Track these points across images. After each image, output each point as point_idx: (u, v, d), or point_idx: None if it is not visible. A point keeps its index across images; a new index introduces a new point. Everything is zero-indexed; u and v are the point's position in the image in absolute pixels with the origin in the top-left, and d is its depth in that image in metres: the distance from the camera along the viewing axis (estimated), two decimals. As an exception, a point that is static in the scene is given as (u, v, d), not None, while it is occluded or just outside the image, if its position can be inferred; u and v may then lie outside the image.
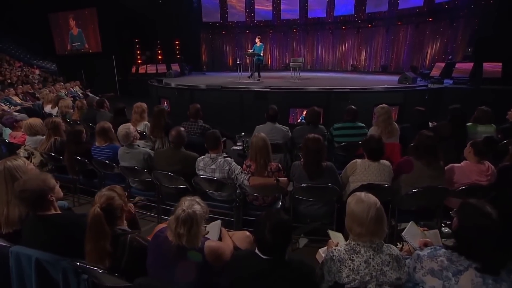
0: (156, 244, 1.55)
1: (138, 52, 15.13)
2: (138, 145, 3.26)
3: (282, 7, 15.20)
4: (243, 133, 4.64)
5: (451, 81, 8.16)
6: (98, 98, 5.85)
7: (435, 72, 8.73)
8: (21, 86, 10.63)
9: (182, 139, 3.03)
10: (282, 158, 3.77)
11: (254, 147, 2.63)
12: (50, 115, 6.68)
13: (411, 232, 1.82)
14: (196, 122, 3.97)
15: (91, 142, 3.72)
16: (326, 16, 14.67)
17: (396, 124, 3.58)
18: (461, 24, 10.83)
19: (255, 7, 15.47)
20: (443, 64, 8.76)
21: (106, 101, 5.35)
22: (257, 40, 9.73)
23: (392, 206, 2.56)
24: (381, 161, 2.58)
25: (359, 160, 2.62)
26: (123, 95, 14.16)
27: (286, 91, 7.42)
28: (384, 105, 3.60)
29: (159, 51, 15.22)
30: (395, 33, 13.22)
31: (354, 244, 1.46)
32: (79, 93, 12.18)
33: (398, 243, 2.77)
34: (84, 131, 3.65)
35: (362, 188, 2.43)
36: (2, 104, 8.34)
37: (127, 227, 1.88)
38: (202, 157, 2.81)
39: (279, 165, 2.69)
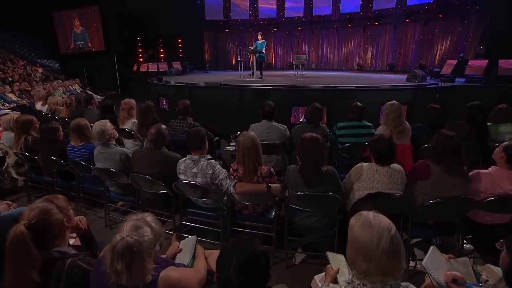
0: (97, 275, 1.19)
1: (139, 50, 14.90)
2: (115, 144, 2.92)
3: (287, 4, 14.83)
4: (238, 133, 4.28)
5: (463, 79, 7.71)
6: (86, 94, 5.52)
7: (446, 70, 8.27)
8: (18, 84, 10.42)
9: (162, 138, 2.68)
10: (279, 160, 3.39)
11: (241, 149, 2.26)
12: (41, 112, 6.45)
13: (434, 260, 1.41)
14: (185, 119, 3.62)
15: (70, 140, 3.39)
16: (332, 14, 14.31)
17: (407, 123, 3.18)
18: (472, 21, 10.37)
19: (259, 5, 15.14)
20: (454, 62, 8.30)
21: (94, 98, 5.04)
22: (259, 36, 9.36)
23: (404, 218, 2.17)
24: (392, 165, 2.19)
25: (365, 164, 2.23)
26: (124, 93, 13.97)
27: (287, 88, 7.04)
28: (394, 101, 3.20)
29: (161, 50, 14.99)
30: (403, 31, 12.77)
31: (358, 285, 1.07)
32: (78, 91, 11.95)
33: (410, 260, 2.39)
34: (61, 129, 3.32)
35: (369, 197, 2.05)
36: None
37: (79, 245, 1.54)
38: (183, 158, 2.45)
39: (271, 169, 2.31)
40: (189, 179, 2.36)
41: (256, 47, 8.99)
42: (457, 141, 2.01)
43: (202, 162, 2.34)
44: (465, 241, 2.24)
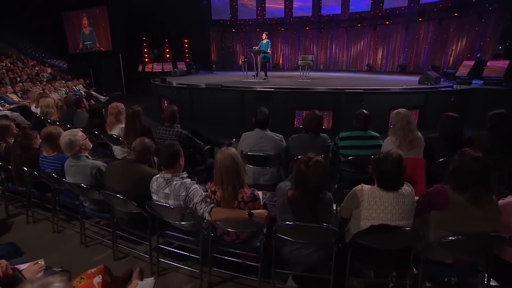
0: None
1: (145, 50, 14.78)
2: (88, 156, 2.62)
3: (295, 4, 14.49)
4: (233, 140, 3.96)
5: (481, 82, 7.20)
6: (75, 97, 5.29)
7: (462, 72, 7.76)
8: (20, 84, 10.35)
9: (144, 152, 2.36)
10: (274, 173, 3.04)
11: (218, 168, 1.91)
12: (35, 114, 6.28)
13: None
14: (171, 127, 3.30)
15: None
16: (341, 13, 13.89)
17: (418, 132, 2.78)
18: (490, 19, 9.78)
19: (267, 5, 14.86)
20: (471, 63, 7.78)
21: (84, 101, 4.80)
22: (264, 36, 9.00)
23: (415, 252, 1.79)
24: (401, 188, 1.80)
25: (366, 187, 1.83)
26: (130, 94, 13.93)
27: (291, 91, 6.68)
28: (400, 109, 2.80)
29: (167, 50, 14.84)
30: (415, 31, 12.26)
31: None
32: (82, 91, 11.85)
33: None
34: (38, 137, 3.05)
35: (372, 229, 1.68)
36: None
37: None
38: (156, 176, 2.12)
39: (255, 193, 1.95)
40: (162, 201, 2.04)
41: (260, 47, 8.65)
42: (485, 163, 1.60)
43: (175, 182, 2.01)
44: (495, 284, 1.83)
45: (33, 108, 6.49)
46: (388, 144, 2.76)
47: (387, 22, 12.82)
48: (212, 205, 1.93)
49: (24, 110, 8.13)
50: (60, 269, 2.33)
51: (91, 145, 2.70)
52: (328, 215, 1.81)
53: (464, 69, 7.82)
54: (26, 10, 15.44)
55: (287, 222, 1.77)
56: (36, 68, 14.91)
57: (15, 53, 16.23)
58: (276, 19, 15.14)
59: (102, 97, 12.14)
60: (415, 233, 1.68)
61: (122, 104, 4.04)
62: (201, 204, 1.94)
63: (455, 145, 2.78)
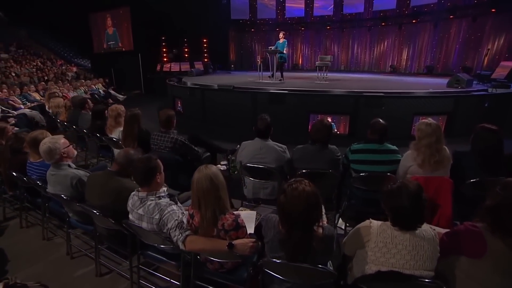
0: None
1: (164, 50, 14.89)
2: (70, 165, 2.42)
3: (317, 4, 14.01)
4: (238, 146, 3.68)
5: (522, 85, 6.46)
6: (81, 97, 5.22)
7: (499, 73, 7.02)
8: (43, 83, 10.66)
9: (127, 164, 2.11)
10: (276, 186, 2.73)
11: (195, 190, 1.62)
12: (48, 113, 6.33)
13: None
14: (167, 133, 3.06)
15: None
16: (364, 12, 13.23)
17: (447, 150, 2.34)
18: (533, 16, 8.85)
19: (287, 4, 14.52)
20: (511, 64, 7.00)
21: (89, 102, 4.70)
22: (280, 35, 8.67)
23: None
24: (418, 229, 1.41)
25: (375, 224, 1.47)
26: (148, 93, 14.10)
27: (306, 93, 6.30)
28: (430, 120, 2.35)
29: (185, 49, 14.89)
30: (445, 29, 11.38)
31: None
32: (101, 90, 12.07)
33: None
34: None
35: (379, 276, 1.33)
36: (16, 99, 8.22)
37: None
38: (133, 193, 1.87)
39: (238, 220, 1.63)
40: (136, 222, 1.79)
41: (276, 47, 8.33)
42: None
43: (149, 202, 1.74)
44: None
45: (47, 108, 6.56)
46: (408, 160, 2.35)
47: (413, 21, 12.04)
48: (187, 233, 1.64)
49: (43, 109, 8.32)
50: (38, 284, 2.17)
51: (75, 153, 2.52)
52: (327, 253, 1.47)
53: (501, 71, 7.07)
54: (57, 11, 16.07)
55: (274, 260, 1.45)
56: (63, 67, 15.48)
57: (46, 53, 17.00)
58: (296, 18, 14.76)
59: (121, 96, 12.31)
60: (437, 286, 1.30)
61: (122, 106, 3.89)
62: (175, 230, 1.65)
63: (492, 163, 2.34)
